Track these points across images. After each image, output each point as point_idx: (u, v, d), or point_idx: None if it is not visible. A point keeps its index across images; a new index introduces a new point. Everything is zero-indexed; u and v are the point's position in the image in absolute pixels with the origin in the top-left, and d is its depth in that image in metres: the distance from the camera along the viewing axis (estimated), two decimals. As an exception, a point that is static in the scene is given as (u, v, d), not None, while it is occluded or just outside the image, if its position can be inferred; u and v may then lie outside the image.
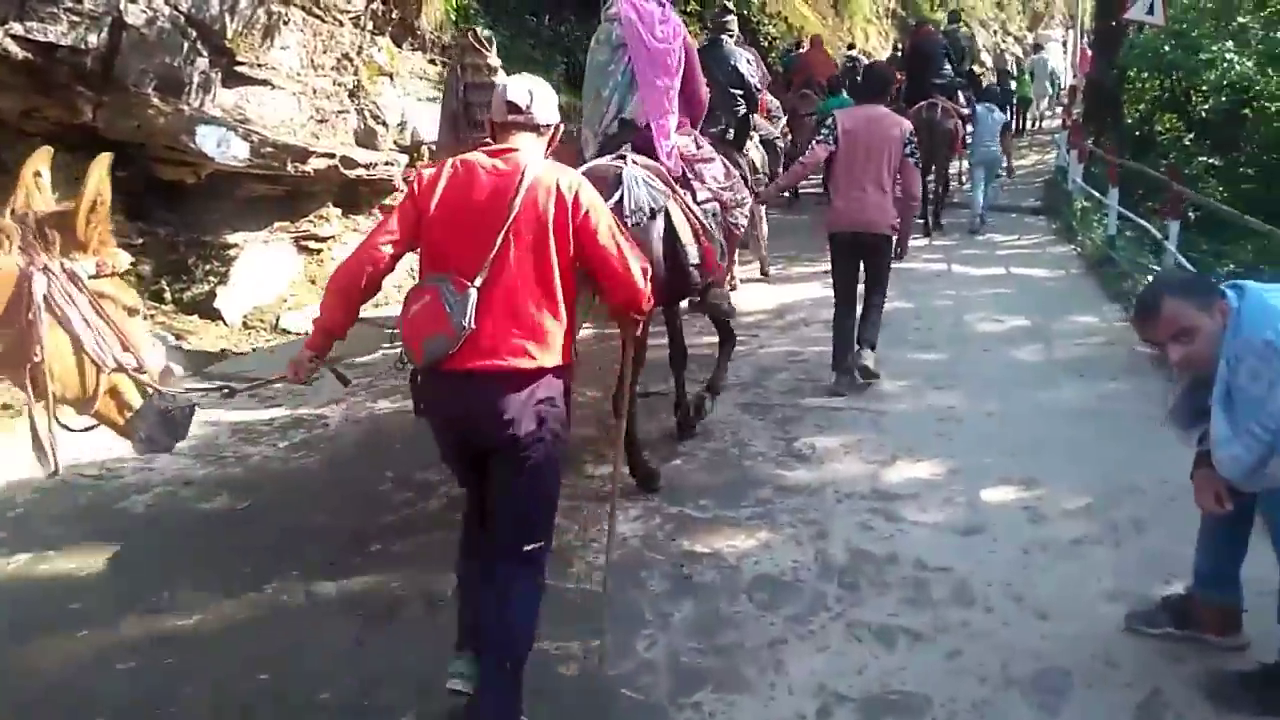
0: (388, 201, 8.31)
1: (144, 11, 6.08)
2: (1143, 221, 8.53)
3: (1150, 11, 12.15)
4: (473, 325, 2.33)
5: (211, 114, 6.67)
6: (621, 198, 3.55)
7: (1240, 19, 13.42)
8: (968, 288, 8.16)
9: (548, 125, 2.62)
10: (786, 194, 9.93)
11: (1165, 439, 3.06)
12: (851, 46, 16.73)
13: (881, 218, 5.28)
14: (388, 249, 2.49)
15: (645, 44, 3.96)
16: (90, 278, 2.10)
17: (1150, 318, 2.59)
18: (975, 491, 4.15)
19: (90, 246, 2.11)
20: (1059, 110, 19.01)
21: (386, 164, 8.38)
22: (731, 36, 7.00)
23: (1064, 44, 24.32)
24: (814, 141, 5.69)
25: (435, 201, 2.45)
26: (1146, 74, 13.87)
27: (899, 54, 14.76)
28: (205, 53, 6.63)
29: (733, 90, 6.58)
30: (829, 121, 5.53)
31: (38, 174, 2.13)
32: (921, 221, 9.17)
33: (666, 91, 4.01)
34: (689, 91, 4.19)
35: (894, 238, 5.52)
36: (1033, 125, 20.36)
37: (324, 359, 2.60)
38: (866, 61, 12.41)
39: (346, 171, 7.82)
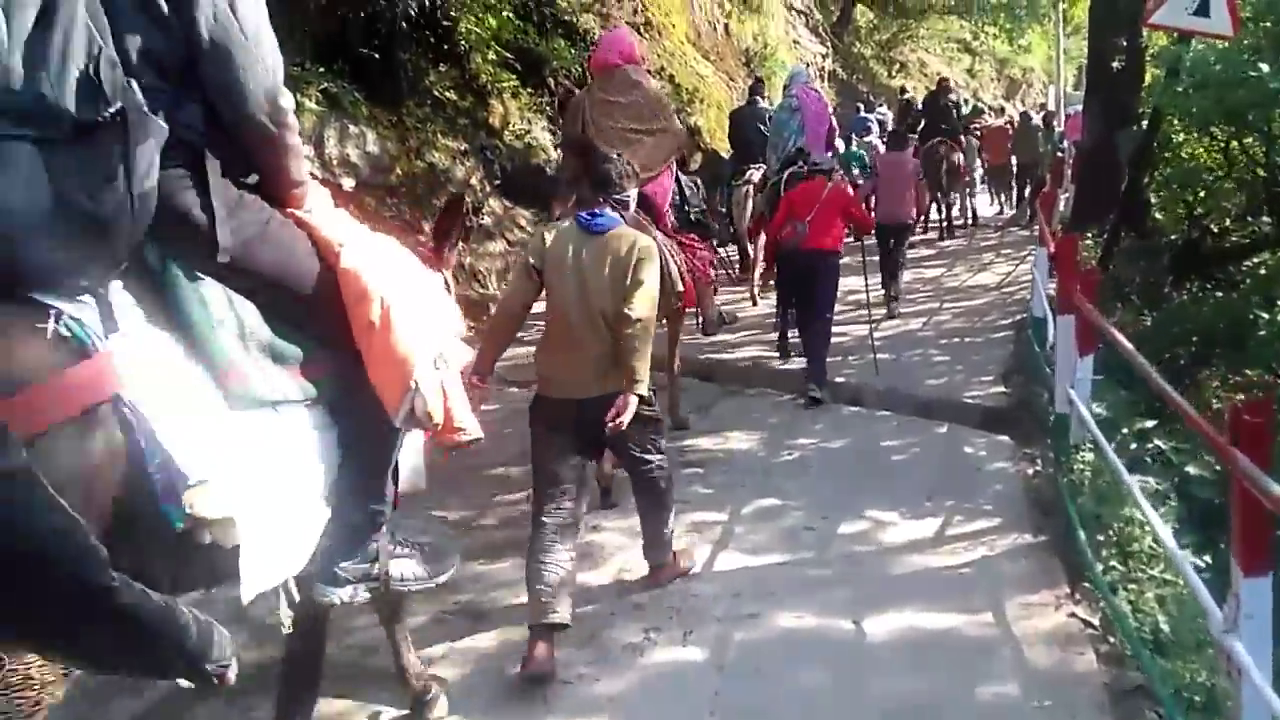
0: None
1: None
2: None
3: (1203, 12, 6.08)
4: (806, 232, 6.32)
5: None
6: None
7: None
8: None
9: (829, 170, 7.18)
10: None
11: None
12: (865, 107, 18.68)
13: (905, 212, 9.41)
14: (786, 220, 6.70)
15: (813, 109, 8.71)
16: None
17: None
18: None
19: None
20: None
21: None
22: (763, 99, 10.79)
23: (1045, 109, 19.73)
24: (863, 180, 10.85)
25: (795, 196, 6.61)
26: (1197, 129, 7.69)
27: (908, 104, 17.22)
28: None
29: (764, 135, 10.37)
30: (873, 165, 11.52)
31: None
32: (936, 227, 13.59)
33: (822, 136, 8.76)
34: (829, 139, 9.19)
35: (912, 224, 10.13)
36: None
37: None
38: (878, 117, 16.13)
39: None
